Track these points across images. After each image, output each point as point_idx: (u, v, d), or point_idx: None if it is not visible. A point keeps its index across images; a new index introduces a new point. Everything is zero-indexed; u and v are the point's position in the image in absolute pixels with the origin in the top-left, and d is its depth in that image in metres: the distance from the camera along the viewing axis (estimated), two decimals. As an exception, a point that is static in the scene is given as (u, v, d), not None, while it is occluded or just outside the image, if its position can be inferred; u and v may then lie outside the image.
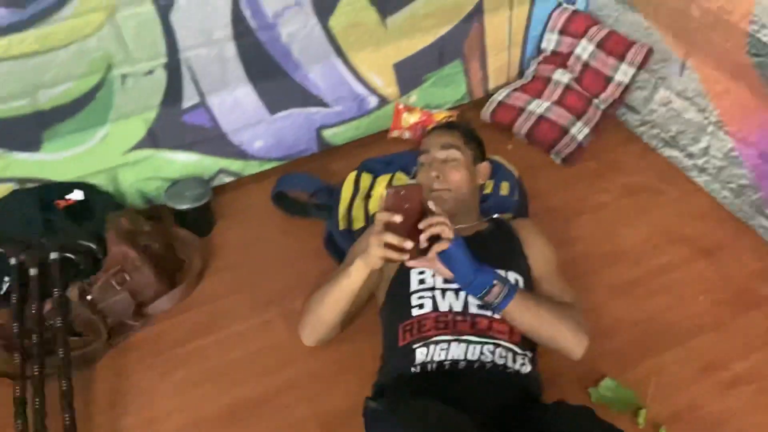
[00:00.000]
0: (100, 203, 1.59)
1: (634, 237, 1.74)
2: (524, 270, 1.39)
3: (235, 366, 1.46)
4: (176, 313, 1.56)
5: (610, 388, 1.40)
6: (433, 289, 1.32)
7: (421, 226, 1.15)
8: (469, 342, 1.23)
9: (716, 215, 1.80)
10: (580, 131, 1.95)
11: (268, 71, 1.65)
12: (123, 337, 1.49)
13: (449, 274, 1.22)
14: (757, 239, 1.72)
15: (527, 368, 1.25)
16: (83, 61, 1.40)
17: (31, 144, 1.48)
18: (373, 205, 1.68)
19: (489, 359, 1.22)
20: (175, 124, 1.63)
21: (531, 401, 1.23)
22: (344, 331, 1.43)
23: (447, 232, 1.17)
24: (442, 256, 1.18)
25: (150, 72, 1.50)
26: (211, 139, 1.71)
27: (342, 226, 1.65)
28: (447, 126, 1.61)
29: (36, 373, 1.31)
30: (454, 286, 1.31)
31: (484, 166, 1.56)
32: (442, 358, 1.22)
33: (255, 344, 1.50)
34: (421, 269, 1.34)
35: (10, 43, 1.30)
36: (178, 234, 1.68)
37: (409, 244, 1.14)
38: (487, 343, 1.24)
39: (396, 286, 1.36)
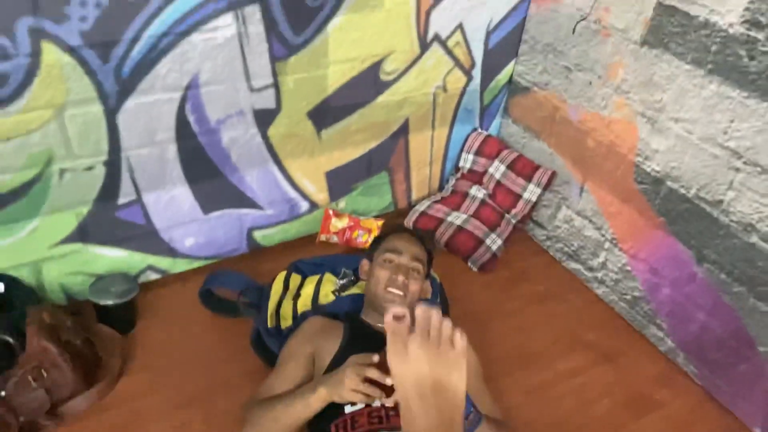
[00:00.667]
0: (20, 296, 1.55)
1: (543, 341, 1.87)
2: None
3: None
4: (92, 414, 1.50)
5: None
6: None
7: None
8: None
9: (615, 323, 1.98)
10: (494, 242, 2.12)
11: (206, 173, 1.73)
12: (32, 439, 1.42)
13: None
14: (651, 347, 1.90)
15: None
16: (23, 154, 1.42)
17: (-44, 233, 1.45)
18: (302, 304, 1.74)
19: None
20: (108, 219, 1.65)
21: None
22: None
23: None
24: None
25: (89, 168, 1.53)
26: (142, 235, 1.74)
27: (270, 323, 1.69)
28: (419, 237, 1.69)
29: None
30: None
31: (427, 285, 1.68)
32: None
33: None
34: None
35: (-46, 132, 1.32)
36: (99, 330, 1.65)
37: (390, 381, 1.18)
38: None
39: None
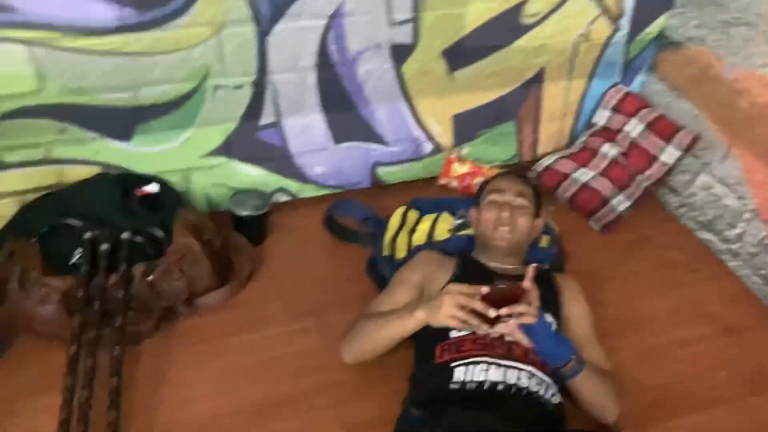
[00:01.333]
0: (171, 199, 1.73)
1: (662, 307, 1.80)
2: (558, 318, 1.46)
3: (269, 364, 1.54)
4: (221, 310, 1.66)
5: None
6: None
7: (505, 311, 1.24)
8: (507, 367, 1.30)
9: (744, 299, 1.85)
10: (620, 203, 2.05)
11: (341, 103, 1.81)
12: (171, 323, 1.60)
13: (528, 344, 1.30)
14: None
15: (557, 399, 1.31)
16: (185, 67, 1.57)
17: (124, 135, 1.64)
18: (417, 238, 1.79)
19: (525, 385, 1.28)
20: (250, 138, 1.78)
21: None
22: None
23: (530, 319, 1.26)
24: (525, 328, 1.28)
25: (239, 87, 1.66)
26: (278, 157, 1.86)
27: (385, 252, 1.76)
28: (521, 176, 1.69)
29: (91, 338, 1.41)
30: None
31: (540, 222, 1.67)
32: (482, 378, 1.28)
33: (290, 348, 1.59)
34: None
35: (128, 41, 1.48)
36: (234, 238, 1.81)
37: (493, 313, 1.23)
38: (523, 369, 1.30)
39: None
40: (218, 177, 1.83)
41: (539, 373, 1.31)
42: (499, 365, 1.30)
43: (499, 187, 1.61)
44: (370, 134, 1.93)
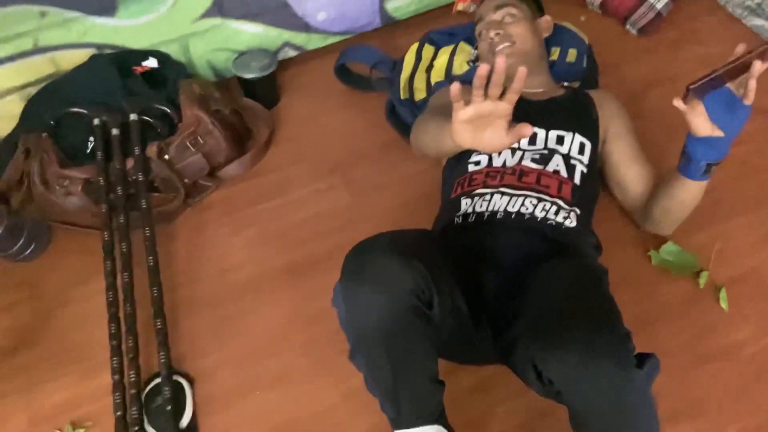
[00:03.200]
0: (173, 71, 1.65)
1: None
2: (594, 138, 1.36)
3: (300, 226, 1.54)
4: (246, 178, 1.64)
5: (672, 252, 1.40)
6: (492, 150, 1.32)
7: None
8: (512, 195, 1.24)
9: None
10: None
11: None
12: (199, 197, 1.59)
13: (708, 129, 1.10)
14: None
15: (572, 222, 1.23)
16: None
17: (107, 9, 1.53)
18: (435, 75, 1.67)
19: (529, 211, 1.21)
20: (240, -9, 1.65)
21: (567, 255, 1.20)
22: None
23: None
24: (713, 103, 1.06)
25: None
26: (275, 8, 1.72)
27: (404, 95, 1.66)
28: None
29: (122, 222, 1.43)
30: (513, 146, 1.31)
31: (545, 20, 1.53)
32: (483, 209, 1.24)
33: (318, 207, 1.57)
34: None
35: None
36: (246, 103, 1.74)
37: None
38: (529, 195, 1.23)
39: None
40: (217, 41, 1.72)
41: (549, 198, 1.24)
42: (504, 194, 1.24)
43: (479, 15, 1.50)
44: (370, -34, 1.75)
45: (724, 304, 1.32)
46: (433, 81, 1.66)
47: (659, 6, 1.83)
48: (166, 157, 1.53)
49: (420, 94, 1.67)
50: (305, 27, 1.81)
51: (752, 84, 1.00)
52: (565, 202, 1.25)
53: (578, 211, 1.26)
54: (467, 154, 1.34)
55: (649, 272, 1.38)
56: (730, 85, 1.05)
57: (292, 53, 1.87)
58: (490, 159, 1.31)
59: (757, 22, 1.80)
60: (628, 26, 1.87)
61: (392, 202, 1.55)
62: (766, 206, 1.46)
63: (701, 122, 1.09)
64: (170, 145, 1.53)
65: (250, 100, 1.74)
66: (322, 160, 1.67)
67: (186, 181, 1.57)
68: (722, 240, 1.41)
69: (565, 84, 1.52)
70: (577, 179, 1.29)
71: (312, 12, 1.78)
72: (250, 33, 1.75)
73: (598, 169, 1.37)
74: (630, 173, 1.37)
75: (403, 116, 1.66)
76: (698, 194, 1.22)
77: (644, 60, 1.80)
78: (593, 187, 1.35)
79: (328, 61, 1.87)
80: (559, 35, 1.59)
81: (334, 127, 1.75)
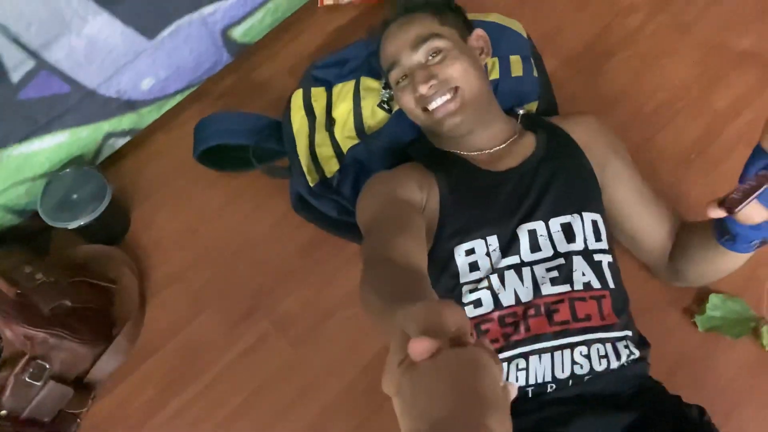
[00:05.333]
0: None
1: (683, 72, 1.31)
2: (601, 202, 1.00)
3: (243, 412, 1.08)
4: (134, 367, 1.13)
5: (717, 305, 1.10)
6: (489, 273, 0.92)
7: None
8: (551, 350, 0.88)
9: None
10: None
11: (123, -20, 1.01)
12: (74, 428, 1.08)
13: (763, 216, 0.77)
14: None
15: (635, 353, 0.90)
16: None
17: None
18: (341, 133, 1.18)
19: (586, 370, 0.87)
20: (11, 107, 1.02)
21: (650, 404, 0.89)
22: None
23: None
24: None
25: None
26: (75, 106, 1.11)
27: (312, 181, 1.16)
28: (404, 10, 1.06)
29: None
30: (514, 260, 0.92)
31: (477, 37, 1.08)
32: (522, 383, 0.88)
33: (254, 378, 1.11)
34: (469, 247, 0.93)
35: None
36: (86, 253, 1.18)
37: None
38: (576, 344, 0.88)
39: (438, 268, 0.95)
40: (4, 179, 1.11)
41: (600, 334, 0.89)
42: (541, 352, 0.88)
43: (389, 57, 1.03)
44: (195, -3, 1.15)
45: (797, 362, 1.06)
46: (343, 145, 1.18)
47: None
48: (3, 413, 0.99)
49: (330, 165, 1.17)
50: (128, 106, 1.21)
51: None
52: (616, 327, 0.91)
53: (630, 333, 0.93)
54: (455, 284, 0.93)
55: (700, 343, 1.09)
56: None
57: (121, 142, 1.28)
58: (494, 295, 0.91)
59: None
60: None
61: (355, 338, 1.12)
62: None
63: (753, 212, 0.76)
64: (1, 393, 0.98)
65: (88, 247, 1.18)
66: (230, 296, 1.18)
67: (46, 420, 1.04)
68: (763, 266, 1.12)
69: (521, 112, 1.10)
70: (610, 280, 0.94)
71: (131, 85, 1.18)
72: (49, 148, 1.14)
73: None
74: (644, 222, 1.03)
75: (319, 208, 1.17)
76: (746, 259, 0.91)
77: (586, 23, 1.37)
78: (618, 267, 0.99)
79: (179, 127, 1.33)
80: (489, 39, 1.12)
81: (224, 239, 1.24)
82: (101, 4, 1.00)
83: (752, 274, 1.11)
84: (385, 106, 1.17)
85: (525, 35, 1.21)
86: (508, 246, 0.92)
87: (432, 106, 0.99)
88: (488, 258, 0.92)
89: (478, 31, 1.09)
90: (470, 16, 1.15)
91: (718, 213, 0.74)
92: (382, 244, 0.80)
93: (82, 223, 1.11)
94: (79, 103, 1.12)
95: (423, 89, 0.98)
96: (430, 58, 1.00)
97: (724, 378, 1.06)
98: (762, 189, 0.71)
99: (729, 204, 0.73)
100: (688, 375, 1.06)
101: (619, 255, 1.03)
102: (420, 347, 0.43)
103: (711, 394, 1.03)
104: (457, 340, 0.44)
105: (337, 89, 1.21)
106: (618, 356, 0.88)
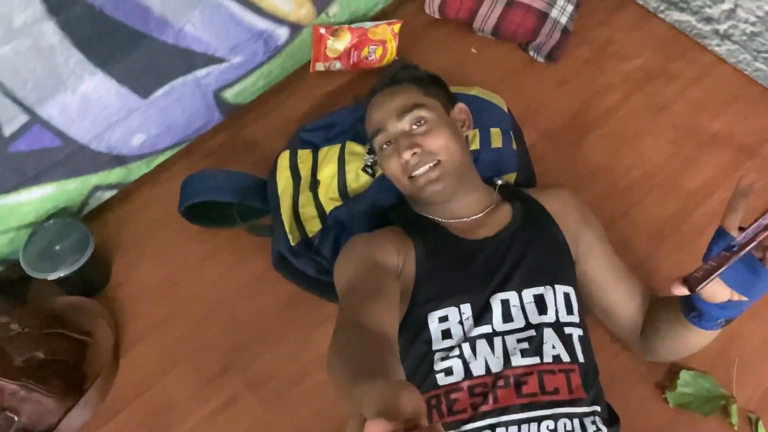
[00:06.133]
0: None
1: (658, 151, 1.36)
2: (573, 276, 1.02)
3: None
4: (102, 422, 1.12)
5: (688, 382, 1.11)
6: (462, 341, 0.93)
7: None
8: (518, 422, 0.88)
9: (750, 96, 1.42)
10: (562, 12, 1.45)
11: (122, 43, 1.05)
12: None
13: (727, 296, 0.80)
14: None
15: (603, 429, 0.91)
16: None
17: None
18: (325, 195, 1.21)
19: None
20: (1, 159, 1.05)
21: None
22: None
23: None
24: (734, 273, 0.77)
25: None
26: (65, 160, 1.14)
27: (294, 240, 1.18)
28: (391, 81, 1.12)
29: None
30: (486, 330, 0.93)
31: (460, 110, 1.13)
32: None
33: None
34: (443, 314, 0.95)
35: None
36: (63, 306, 1.18)
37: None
38: (543, 417, 0.88)
39: (411, 333, 0.96)
40: (-11, 228, 1.13)
41: (566, 409, 0.89)
42: (509, 423, 0.88)
43: (375, 123, 1.08)
44: (191, 60, 1.19)
45: (767, 442, 1.07)
46: (326, 206, 1.20)
47: (564, 20, 1.46)
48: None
49: (312, 225, 1.20)
50: (118, 161, 1.24)
51: None
52: (585, 402, 0.91)
53: (598, 408, 0.93)
54: (428, 356, 0.94)
55: (671, 419, 1.09)
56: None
57: (108, 195, 1.30)
58: (466, 364, 0.92)
59: (680, 17, 1.49)
60: (531, 52, 1.49)
61: (326, 403, 1.12)
62: None
63: (717, 291, 0.80)
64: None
65: (67, 298, 1.18)
66: (204, 353, 1.18)
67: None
68: (733, 344, 1.14)
69: (499, 182, 1.14)
70: (580, 354, 0.95)
71: (122, 141, 1.21)
72: (36, 199, 1.16)
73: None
74: (616, 296, 1.05)
75: (299, 267, 1.19)
76: (713, 336, 0.93)
77: (566, 97, 1.44)
78: (590, 341, 1.01)
79: (165, 183, 1.35)
80: (471, 112, 1.16)
81: (203, 289, 1.25)
82: (97, 64, 1.04)
83: (722, 351, 1.13)
84: (369, 170, 1.20)
85: (506, 109, 1.27)
86: (481, 315, 0.94)
87: (415, 173, 1.03)
88: (461, 326, 0.94)
89: (461, 105, 1.14)
90: (453, 89, 1.20)
91: (681, 291, 0.77)
92: (354, 309, 0.82)
93: (62, 275, 1.12)
94: (69, 157, 1.14)
95: (407, 155, 1.01)
96: (415, 127, 1.04)
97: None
98: (722, 269, 0.74)
99: (692, 282, 0.75)
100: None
101: (592, 327, 1.06)
102: (375, 430, 0.44)
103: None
104: (411, 423, 0.45)
105: (323, 152, 1.25)
106: (583, 429, 0.89)
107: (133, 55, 1.08)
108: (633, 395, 1.10)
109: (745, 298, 0.80)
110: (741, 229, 0.77)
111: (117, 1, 0.98)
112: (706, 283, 0.74)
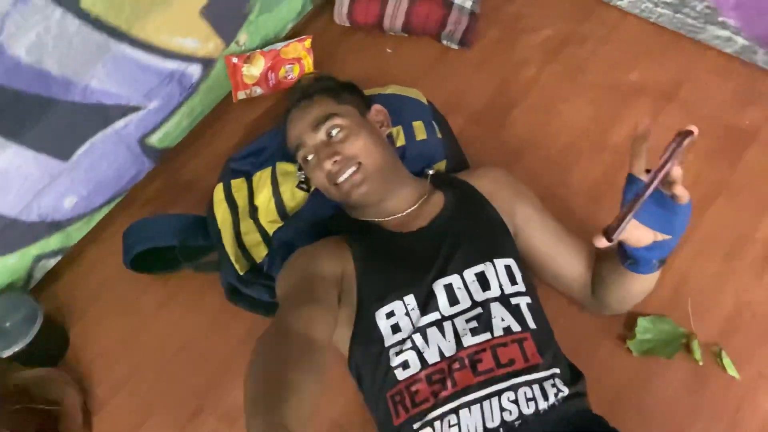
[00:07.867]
0: None
1: (580, 113, 1.38)
2: (512, 246, 1.05)
3: None
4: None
5: (647, 328, 1.13)
6: (412, 333, 0.94)
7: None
8: (481, 399, 0.89)
9: (657, 43, 1.46)
10: (465, -2, 1.49)
11: (26, 112, 1.05)
12: None
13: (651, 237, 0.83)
14: (716, 55, 1.42)
15: (563, 390, 0.92)
16: None
17: None
18: (265, 219, 1.22)
19: (515, 415, 0.88)
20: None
21: None
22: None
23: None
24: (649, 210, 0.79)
25: None
26: (-3, 235, 1.14)
27: (242, 269, 1.18)
28: (302, 96, 1.13)
29: None
30: (434, 317, 0.94)
31: (376, 112, 1.15)
32: None
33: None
34: (388, 310, 0.96)
35: None
36: (25, 380, 1.16)
37: None
38: (503, 390, 0.90)
39: (364, 336, 0.97)
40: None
41: (525, 377, 0.91)
42: (470, 405, 0.89)
43: (294, 139, 1.10)
44: (105, 114, 1.20)
45: (732, 372, 1.09)
46: (269, 229, 1.21)
47: (470, 5, 1.48)
48: None
49: (259, 250, 1.21)
50: (54, 227, 1.24)
51: (679, 190, 0.76)
52: (541, 367, 0.93)
53: (558, 369, 0.94)
54: (383, 356, 0.95)
55: (637, 368, 1.11)
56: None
57: (52, 262, 1.30)
58: (420, 354, 0.93)
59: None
60: (445, 41, 1.51)
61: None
62: (705, 212, 1.23)
63: (641, 235, 0.83)
64: None
65: (28, 371, 1.17)
66: (175, 398, 1.18)
67: None
68: (683, 284, 1.16)
69: (430, 172, 1.15)
70: (530, 321, 0.97)
71: (53, 207, 1.21)
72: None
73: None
74: (561, 259, 1.07)
75: (252, 294, 1.19)
76: (655, 278, 0.96)
77: (485, 80, 1.46)
78: (540, 306, 1.03)
79: (108, 239, 1.35)
80: (391, 110, 1.19)
81: (164, 336, 1.24)
82: (8, 137, 1.04)
83: (675, 292, 1.15)
84: (304, 186, 1.22)
85: (425, 101, 1.29)
86: (426, 303, 0.95)
87: (339, 180, 1.04)
88: (408, 318, 0.95)
89: (377, 106, 1.15)
90: (369, 91, 1.22)
91: (602, 242, 0.78)
92: (285, 315, 0.85)
93: (16, 350, 1.11)
94: (2, 233, 1.14)
95: (328, 164, 1.03)
96: (333, 135, 1.05)
97: (666, 400, 1.08)
98: (632, 213, 0.75)
99: (609, 232, 0.77)
100: (630, 403, 1.07)
101: (548, 294, 1.08)
102: None
103: (658, 420, 1.05)
104: None
105: (256, 178, 1.26)
106: (546, 396, 0.90)
107: (42, 121, 1.08)
108: (598, 352, 1.12)
109: (668, 236, 0.83)
110: (648, 171, 0.79)
111: (11, 73, 0.98)
112: (620, 229, 0.75)
